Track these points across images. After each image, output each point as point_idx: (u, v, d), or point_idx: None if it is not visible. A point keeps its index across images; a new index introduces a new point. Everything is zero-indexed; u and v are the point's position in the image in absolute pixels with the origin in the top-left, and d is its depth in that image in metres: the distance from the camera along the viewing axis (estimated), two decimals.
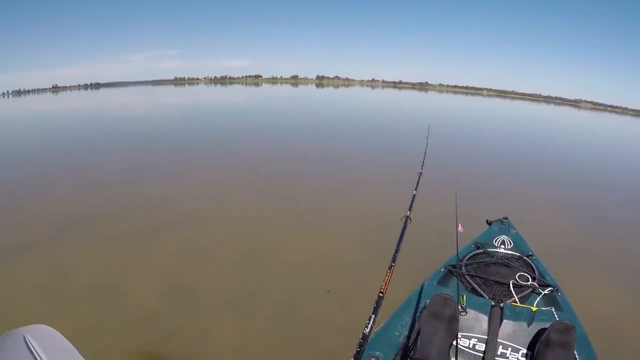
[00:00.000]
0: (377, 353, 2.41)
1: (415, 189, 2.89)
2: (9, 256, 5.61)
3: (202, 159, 12.40)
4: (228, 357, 3.73)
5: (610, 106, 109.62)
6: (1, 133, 20.10)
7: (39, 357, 1.22)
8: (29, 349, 1.24)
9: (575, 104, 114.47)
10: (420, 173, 3.26)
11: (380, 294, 1.62)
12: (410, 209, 2.50)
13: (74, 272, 5.23)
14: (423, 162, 3.47)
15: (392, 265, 1.87)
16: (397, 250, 2.03)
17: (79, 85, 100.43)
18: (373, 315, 1.44)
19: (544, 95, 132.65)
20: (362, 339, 1.30)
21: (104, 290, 4.81)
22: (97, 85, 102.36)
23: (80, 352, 1.46)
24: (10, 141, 16.46)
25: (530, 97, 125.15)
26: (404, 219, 2.38)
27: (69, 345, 1.43)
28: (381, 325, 2.70)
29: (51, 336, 1.42)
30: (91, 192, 8.69)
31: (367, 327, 1.37)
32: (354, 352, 1.25)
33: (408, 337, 2.53)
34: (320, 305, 4.47)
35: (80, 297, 4.65)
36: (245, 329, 4.10)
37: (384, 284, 1.71)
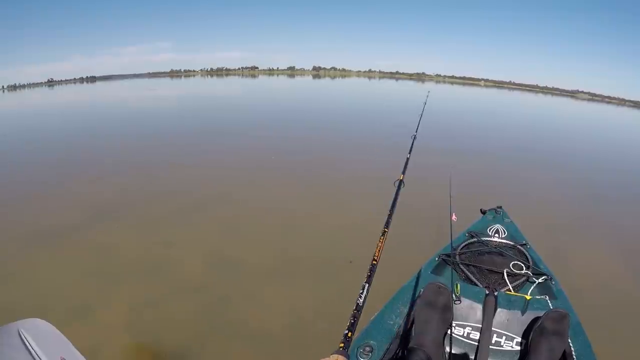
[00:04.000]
0: (372, 342, 2.40)
1: (410, 152, 2.84)
2: (52, 240, 5.86)
3: (219, 146, 12.86)
4: (279, 316, 4.15)
5: (608, 97, 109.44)
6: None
7: (34, 351, 1.22)
8: (24, 343, 1.23)
9: (573, 94, 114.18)
10: (415, 136, 3.22)
11: (374, 262, 1.57)
12: (403, 173, 2.47)
13: (118, 252, 5.51)
14: (418, 126, 3.44)
15: (385, 231, 1.80)
16: (390, 216, 1.95)
17: (75, 79, 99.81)
18: (367, 285, 1.37)
19: (541, 86, 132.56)
20: (355, 309, 1.24)
21: (151, 267, 5.16)
22: (92, 79, 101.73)
23: (74, 345, 1.47)
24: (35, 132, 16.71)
25: (528, 88, 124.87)
26: (397, 183, 2.32)
27: (63, 338, 1.43)
28: (375, 314, 2.70)
29: (45, 330, 1.42)
30: (121, 179, 9.04)
31: (360, 297, 1.31)
32: (348, 323, 1.19)
33: (402, 326, 2.53)
34: (346, 272, 4.90)
35: (129, 273, 4.98)
36: (288, 293, 4.57)
37: (377, 251, 1.65)
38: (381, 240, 1.72)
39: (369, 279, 1.44)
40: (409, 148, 2.94)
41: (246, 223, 6.60)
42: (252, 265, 5.21)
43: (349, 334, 1.14)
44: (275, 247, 5.71)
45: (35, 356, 1.18)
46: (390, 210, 2.01)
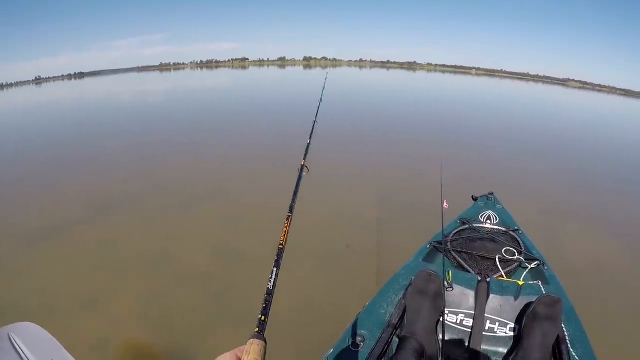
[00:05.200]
0: (363, 331, 2.38)
1: (310, 138, 2.82)
2: (54, 234, 5.90)
3: (212, 140, 12.71)
4: (286, 300, 4.18)
5: (599, 85, 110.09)
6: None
7: (24, 354, 1.19)
8: (14, 347, 1.21)
9: (564, 83, 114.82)
10: (315, 121, 3.20)
11: (280, 246, 1.57)
12: (304, 158, 2.42)
13: (121, 246, 5.55)
14: (317, 111, 3.42)
15: (289, 216, 1.81)
16: (293, 200, 1.96)
17: (63, 75, 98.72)
18: (275, 269, 1.40)
19: (532, 74, 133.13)
20: (267, 294, 1.28)
21: (156, 258, 5.20)
22: (81, 75, 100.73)
23: (66, 349, 1.44)
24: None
25: (519, 76, 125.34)
26: (299, 169, 2.32)
27: (54, 341, 1.40)
28: (367, 303, 2.68)
29: (36, 333, 1.39)
30: (117, 175, 9.00)
31: (270, 281, 1.34)
32: (261, 307, 1.23)
33: (394, 314, 2.51)
34: (343, 256, 5.25)
35: (135, 266, 5.02)
36: (292, 277, 4.65)
37: (282, 236, 1.66)
38: (286, 225, 1.72)
39: (277, 263, 1.46)
40: (309, 133, 2.91)
41: (246, 212, 6.66)
42: (254, 251, 5.28)
43: (262, 318, 1.18)
44: (275, 235, 5.67)
45: (26, 359, 1.16)
46: (293, 196, 1.99)
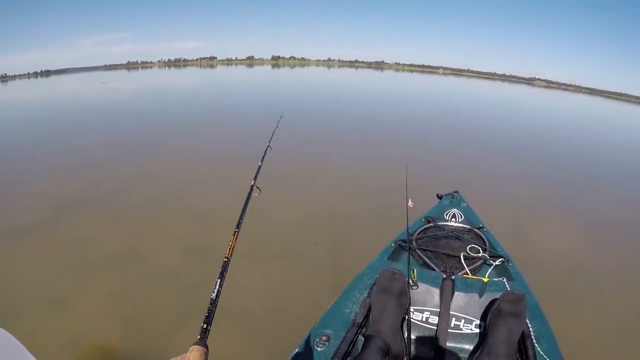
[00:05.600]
0: (328, 331, 2.34)
1: (262, 160, 2.90)
2: (21, 234, 5.77)
3: (181, 141, 12.44)
4: (262, 293, 4.42)
5: (564, 84, 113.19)
6: None
7: None
8: None
9: (530, 82, 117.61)
10: (269, 146, 3.26)
11: (226, 259, 1.69)
12: (255, 179, 2.55)
13: (90, 245, 5.48)
14: (272, 137, 3.48)
15: (236, 232, 1.93)
16: (241, 217, 2.07)
17: (29, 73, 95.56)
18: (219, 280, 1.51)
19: (499, 73, 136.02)
20: (210, 303, 1.37)
21: (126, 256, 5.16)
22: (47, 73, 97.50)
23: (30, 352, 1.36)
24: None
25: (486, 76, 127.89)
26: (249, 187, 2.41)
27: (18, 344, 1.31)
28: (332, 303, 2.64)
29: (1, 337, 1.30)
30: (86, 173, 8.79)
31: (213, 292, 1.44)
32: (204, 316, 1.32)
33: (359, 313, 2.48)
34: (312, 253, 5.32)
35: (104, 264, 4.98)
36: (265, 272, 4.82)
37: (228, 249, 1.76)
38: (232, 239, 1.85)
39: (221, 275, 1.57)
40: (262, 157, 2.99)
41: (214, 211, 6.58)
42: (225, 249, 5.17)
43: (205, 326, 1.26)
44: (245, 232, 5.71)
45: None
46: (242, 212, 2.13)
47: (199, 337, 1.18)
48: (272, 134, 3.58)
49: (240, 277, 4.59)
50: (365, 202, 7.21)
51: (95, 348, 3.64)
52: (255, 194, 2.43)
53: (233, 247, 1.80)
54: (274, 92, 29.99)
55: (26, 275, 4.74)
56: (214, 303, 1.40)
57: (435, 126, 16.66)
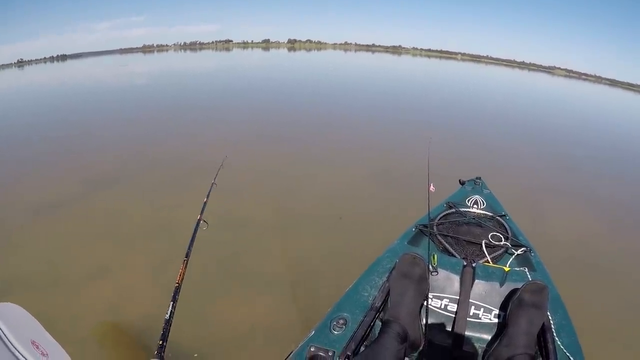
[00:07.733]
0: (345, 314, 2.31)
1: (207, 197, 3.02)
2: (57, 210, 5.90)
3: (204, 123, 12.67)
4: (293, 264, 4.59)
5: (585, 74, 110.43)
6: None
7: (3, 334, 1.10)
8: None
9: (549, 70, 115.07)
10: (214, 183, 3.33)
11: (177, 284, 1.80)
12: (201, 213, 2.72)
13: (125, 217, 5.66)
14: (216, 174, 3.56)
15: (185, 260, 2.09)
16: (189, 247, 2.25)
17: (45, 58, 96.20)
18: (172, 302, 1.62)
19: (518, 60, 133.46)
20: (164, 324, 1.48)
21: (160, 228, 5.32)
22: (63, 57, 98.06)
23: (47, 330, 1.37)
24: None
25: (505, 63, 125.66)
26: (196, 222, 2.57)
27: (35, 322, 1.32)
28: (350, 286, 2.61)
29: (16, 313, 1.30)
30: (113, 153, 8.95)
31: (167, 313, 1.55)
32: (160, 334, 1.42)
33: (377, 297, 2.44)
34: (338, 229, 5.57)
35: (140, 235, 5.15)
36: (296, 246, 5.01)
37: (179, 276, 1.87)
38: (182, 267, 1.99)
39: (174, 298, 1.67)
40: (207, 193, 3.09)
41: (248, 186, 6.86)
42: (258, 222, 5.57)
43: (160, 342, 1.37)
44: (275, 207, 6.08)
45: (5, 340, 1.07)
46: (190, 244, 2.28)
47: (155, 352, 1.31)
48: (216, 174, 3.56)
49: (287, 245, 4.95)
50: (388, 181, 7.42)
51: (133, 316, 3.70)
52: (203, 227, 2.62)
53: (183, 274, 1.92)
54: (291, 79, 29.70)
55: (62, 248, 4.85)
56: (168, 323, 1.51)
57: (456, 114, 16.34)
